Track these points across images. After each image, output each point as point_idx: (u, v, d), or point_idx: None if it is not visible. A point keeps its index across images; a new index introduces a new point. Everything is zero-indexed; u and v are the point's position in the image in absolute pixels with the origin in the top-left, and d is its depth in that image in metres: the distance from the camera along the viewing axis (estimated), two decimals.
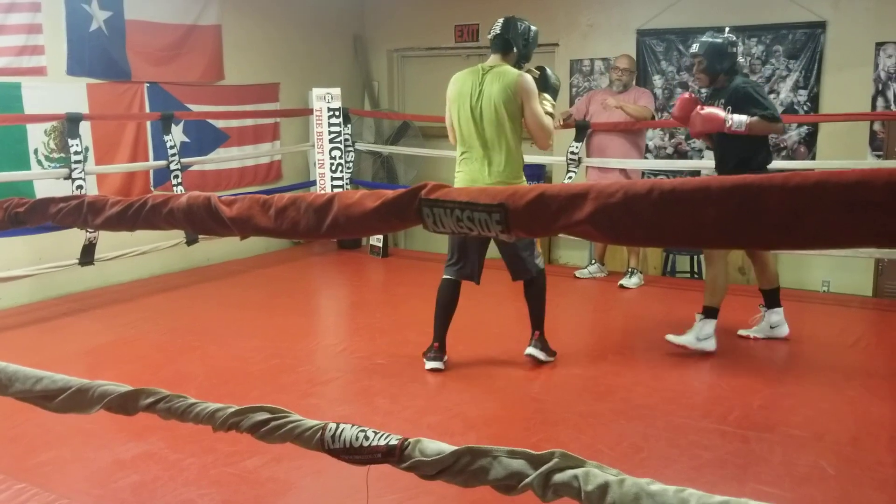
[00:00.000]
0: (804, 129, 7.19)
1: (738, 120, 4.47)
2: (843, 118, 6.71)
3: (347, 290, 6.93)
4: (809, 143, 7.18)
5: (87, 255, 5.86)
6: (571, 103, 7.59)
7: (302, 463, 3.18)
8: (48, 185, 5.88)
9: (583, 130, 6.64)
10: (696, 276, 6.89)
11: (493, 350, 4.80)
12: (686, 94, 4.84)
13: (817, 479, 3.18)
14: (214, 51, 7.48)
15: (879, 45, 6.76)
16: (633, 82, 6.78)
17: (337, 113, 7.61)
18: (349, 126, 8.01)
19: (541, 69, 4.52)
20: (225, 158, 7.69)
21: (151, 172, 6.94)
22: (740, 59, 7.23)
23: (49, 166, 6.03)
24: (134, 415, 2.05)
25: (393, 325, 5.39)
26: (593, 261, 6.99)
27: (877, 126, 6.83)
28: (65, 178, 5.73)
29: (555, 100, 4.53)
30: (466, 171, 4.38)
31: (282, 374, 4.42)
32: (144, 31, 6.76)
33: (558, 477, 1.52)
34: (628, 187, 1.36)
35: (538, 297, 4.52)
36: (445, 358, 4.46)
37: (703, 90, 5.18)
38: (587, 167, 6.77)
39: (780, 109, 7.11)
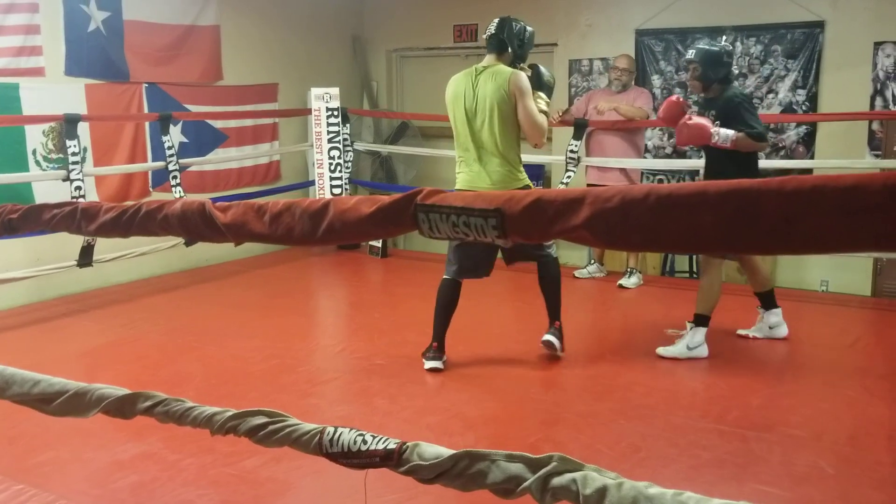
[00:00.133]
0: (803, 128, 7.19)
1: (725, 135, 4.46)
2: (842, 118, 6.71)
3: (346, 290, 6.93)
4: (808, 143, 7.18)
5: (86, 256, 5.86)
6: (570, 103, 7.59)
7: (301, 463, 3.18)
8: (46, 186, 5.88)
9: (581, 128, 6.64)
10: (695, 275, 6.89)
11: (493, 350, 4.80)
12: (673, 97, 4.82)
13: (816, 478, 3.19)
14: (213, 51, 7.47)
15: (878, 44, 6.75)
16: (633, 82, 6.78)
17: (336, 113, 7.61)
18: (348, 126, 8.01)
19: (533, 67, 4.52)
20: (224, 159, 7.69)
21: (150, 173, 6.93)
22: (739, 60, 7.25)
23: (47, 167, 6.03)
24: (131, 418, 2.05)
25: (392, 325, 5.39)
26: (592, 261, 6.99)
27: (875, 125, 6.83)
28: (63, 180, 5.72)
29: (549, 98, 4.53)
30: (466, 173, 4.38)
31: (281, 374, 4.42)
32: (143, 32, 6.75)
33: (556, 481, 1.52)
34: (625, 192, 1.36)
35: (553, 287, 4.54)
36: (444, 358, 4.46)
37: (695, 97, 5.16)
38: (586, 166, 6.77)
39: (778, 109, 7.17)
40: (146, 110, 6.81)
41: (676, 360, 4.58)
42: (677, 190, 1.30)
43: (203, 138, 7.41)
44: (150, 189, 6.98)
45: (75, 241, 5.73)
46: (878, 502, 3.04)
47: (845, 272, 6.97)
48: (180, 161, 6.71)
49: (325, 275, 7.42)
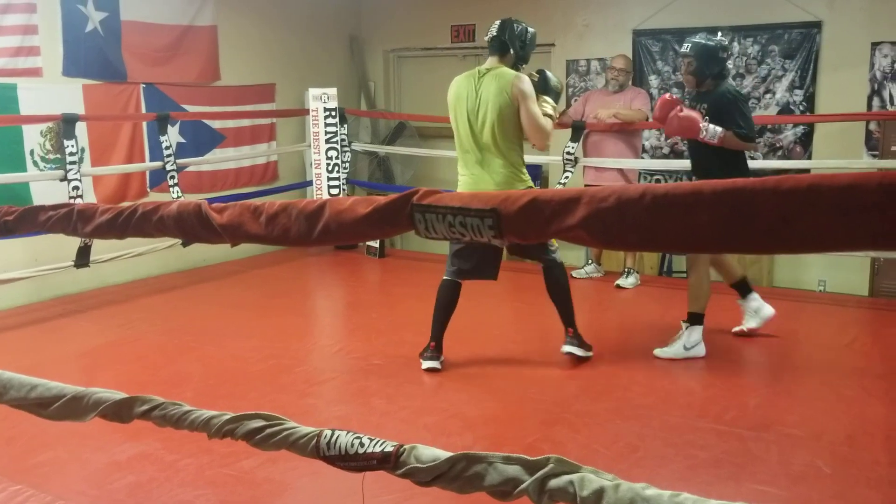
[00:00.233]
0: (800, 128, 7.20)
1: (713, 131, 4.44)
2: (839, 118, 6.71)
3: (344, 290, 6.93)
4: (805, 143, 7.19)
5: (83, 256, 5.85)
6: (568, 104, 7.59)
7: (298, 464, 3.17)
8: (44, 186, 5.88)
9: (579, 130, 6.64)
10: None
11: (491, 350, 4.81)
12: (667, 95, 4.79)
13: (813, 478, 3.19)
14: (210, 51, 7.47)
15: (875, 44, 6.76)
16: (630, 82, 6.79)
17: (333, 113, 7.60)
18: (345, 126, 8.00)
19: (540, 72, 4.52)
20: (221, 159, 7.68)
21: (147, 173, 6.93)
22: (736, 60, 7.26)
23: (45, 167, 6.02)
24: (129, 422, 2.05)
25: (389, 325, 5.39)
26: (590, 261, 7.00)
27: (872, 126, 6.83)
28: (61, 180, 5.71)
29: (556, 102, 4.54)
30: (468, 176, 4.38)
31: (279, 374, 4.42)
32: (140, 32, 6.75)
33: (553, 483, 1.52)
34: (621, 192, 1.36)
35: (562, 293, 4.51)
36: (442, 358, 4.46)
37: (688, 91, 5.13)
38: (584, 167, 6.78)
39: (776, 109, 7.18)
40: (144, 110, 6.81)
41: (673, 359, 4.57)
42: (673, 189, 1.30)
43: (201, 138, 7.41)
44: (148, 189, 6.97)
45: (73, 242, 5.72)
46: (876, 502, 3.04)
47: (843, 272, 6.98)
48: (178, 161, 6.70)
49: (323, 275, 7.42)
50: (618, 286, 6.42)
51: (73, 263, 5.82)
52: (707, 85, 4.64)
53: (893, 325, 5.39)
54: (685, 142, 5.16)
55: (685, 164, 7.22)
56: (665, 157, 7.76)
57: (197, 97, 7.33)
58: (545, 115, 4.35)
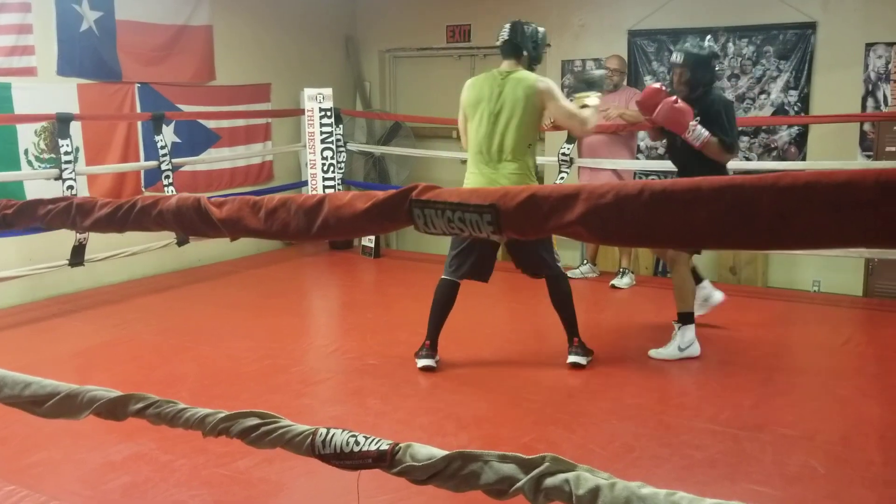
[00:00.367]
0: (795, 129, 7.21)
1: (699, 133, 4.41)
2: (833, 119, 6.72)
3: (339, 290, 6.93)
4: (800, 144, 7.20)
5: (78, 255, 5.84)
6: None
7: (294, 464, 3.17)
8: (38, 185, 5.86)
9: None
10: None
11: (486, 351, 4.81)
12: (656, 85, 4.68)
13: (808, 478, 3.19)
14: (205, 51, 7.46)
15: (869, 45, 6.78)
16: (624, 82, 6.79)
17: (329, 113, 7.60)
18: (341, 126, 8.00)
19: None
20: (216, 159, 7.68)
21: (142, 173, 6.92)
22: (731, 61, 7.27)
23: (39, 167, 6.01)
24: (123, 420, 2.04)
25: (385, 325, 5.39)
26: (585, 261, 7.00)
27: (867, 126, 6.85)
28: (55, 179, 5.70)
29: (599, 90, 4.68)
30: (479, 174, 4.41)
31: (274, 374, 4.41)
32: (135, 32, 6.74)
33: (549, 481, 1.52)
34: (619, 188, 1.35)
35: (566, 303, 4.50)
36: (437, 357, 4.46)
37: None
38: (579, 167, 6.79)
39: (770, 110, 7.19)
40: (139, 110, 6.80)
41: (669, 360, 4.58)
42: (671, 186, 1.30)
43: (196, 138, 7.40)
44: (143, 189, 6.96)
45: (67, 241, 5.71)
46: (870, 501, 3.05)
47: (837, 272, 7.00)
48: (173, 161, 6.69)
49: (318, 275, 7.41)
50: (613, 286, 6.43)
51: (67, 262, 5.81)
52: (698, 92, 4.62)
53: (888, 326, 5.40)
54: (664, 142, 5.12)
55: None
56: (660, 157, 7.76)
57: (192, 97, 7.32)
58: (584, 106, 4.50)
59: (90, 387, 2.06)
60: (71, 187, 5.70)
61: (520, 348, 4.87)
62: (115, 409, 2.00)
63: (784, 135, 7.25)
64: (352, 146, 8.36)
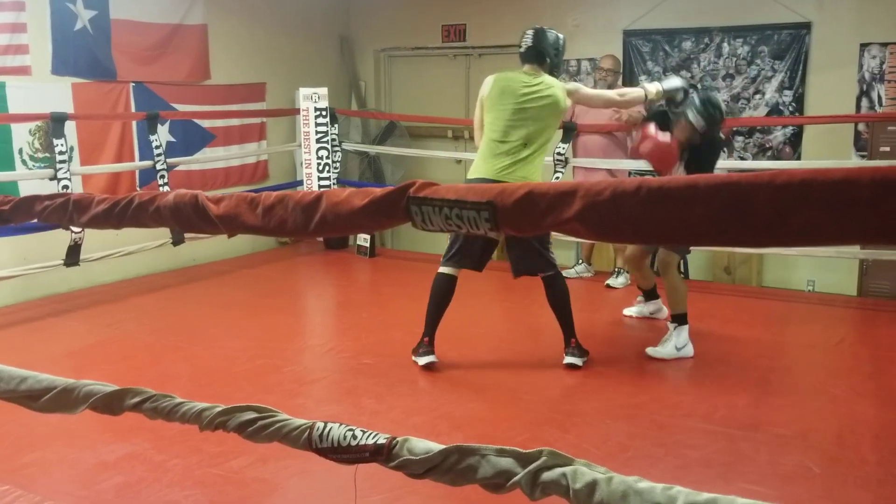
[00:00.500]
0: (789, 129, 7.22)
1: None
2: (827, 120, 6.73)
3: (334, 289, 6.92)
4: (795, 144, 7.22)
5: (73, 255, 5.83)
6: None
7: (288, 463, 3.17)
8: (33, 185, 5.84)
9: (570, 132, 6.65)
10: (681, 275, 6.90)
11: (480, 350, 4.81)
12: (666, 143, 4.62)
13: (802, 477, 3.20)
14: (200, 50, 7.45)
15: (864, 45, 6.79)
16: (619, 82, 6.80)
17: (324, 113, 7.59)
18: (336, 126, 8.00)
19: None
20: (211, 158, 7.67)
21: (137, 172, 6.90)
22: (726, 61, 7.29)
23: (34, 166, 5.99)
24: (119, 415, 2.03)
25: (379, 324, 5.39)
26: (580, 261, 7.01)
27: (861, 126, 6.87)
28: (50, 179, 5.69)
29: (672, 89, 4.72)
30: (491, 162, 4.44)
31: (268, 374, 4.41)
32: (130, 31, 6.73)
33: (546, 475, 1.52)
34: (616, 185, 1.36)
35: (564, 303, 4.52)
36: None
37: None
38: (573, 167, 6.79)
39: (765, 110, 7.22)
40: (133, 109, 6.79)
41: (664, 360, 4.59)
42: (668, 183, 1.30)
43: (190, 137, 7.39)
44: (138, 188, 6.94)
45: (62, 241, 5.70)
46: (865, 500, 3.06)
47: (831, 272, 7.01)
48: (168, 160, 6.68)
49: (313, 274, 7.41)
50: (608, 286, 6.44)
51: (62, 262, 5.80)
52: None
53: (882, 325, 5.42)
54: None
55: None
56: None
57: (187, 96, 7.31)
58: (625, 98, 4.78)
59: (86, 381, 2.05)
60: (66, 187, 5.69)
61: (514, 348, 4.87)
62: (111, 404, 2.00)
63: (779, 135, 7.26)
64: (347, 146, 8.35)
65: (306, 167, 7.66)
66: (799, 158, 7.19)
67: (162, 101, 7.02)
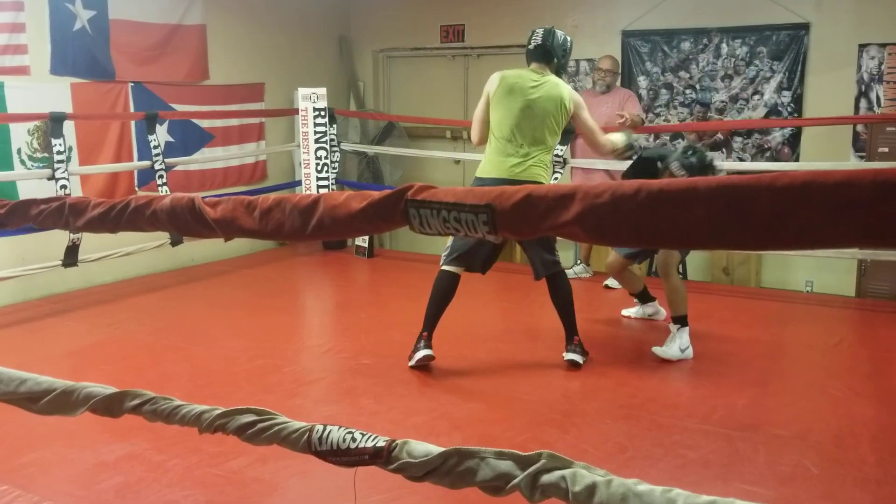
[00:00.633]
0: (788, 130, 7.23)
1: None
2: (825, 122, 6.72)
3: (333, 290, 6.92)
4: (793, 145, 7.22)
5: (71, 256, 5.82)
6: None
7: (287, 463, 3.17)
8: (31, 185, 5.84)
9: (567, 134, 6.65)
10: (680, 276, 6.90)
11: (479, 350, 4.80)
12: None
13: (801, 478, 3.20)
14: (199, 50, 7.45)
15: (862, 46, 6.80)
16: (617, 83, 6.81)
17: (322, 113, 7.59)
18: (335, 126, 8.00)
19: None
20: (210, 158, 7.66)
21: (136, 172, 6.90)
22: (725, 61, 7.30)
23: (32, 166, 5.99)
24: (119, 417, 2.03)
25: (378, 325, 5.39)
26: (578, 261, 7.01)
27: (860, 127, 6.87)
28: (48, 179, 5.68)
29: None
30: (500, 161, 4.45)
31: (267, 374, 4.41)
32: (129, 31, 6.72)
33: (546, 478, 1.52)
34: (616, 188, 1.35)
35: (567, 303, 4.53)
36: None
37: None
38: (571, 168, 6.80)
39: (764, 110, 7.22)
40: (132, 109, 6.78)
41: (662, 360, 4.59)
42: (668, 185, 1.30)
43: (189, 138, 7.39)
44: (136, 188, 6.94)
45: (60, 241, 5.70)
46: (863, 501, 3.06)
47: (830, 273, 7.02)
48: (166, 160, 6.68)
49: (312, 275, 7.41)
50: (606, 287, 6.44)
51: (60, 263, 5.79)
52: None
53: (880, 326, 5.42)
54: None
55: None
56: None
57: (186, 96, 7.31)
58: (609, 141, 4.75)
59: (86, 383, 2.05)
60: (64, 187, 5.69)
61: (513, 348, 4.87)
62: (111, 406, 2.00)
63: (777, 135, 7.27)
64: (345, 146, 8.36)
65: (305, 167, 7.66)
66: (797, 159, 7.20)
67: (161, 101, 7.01)
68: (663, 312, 5.30)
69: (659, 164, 4.74)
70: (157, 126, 6.59)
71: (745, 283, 7.09)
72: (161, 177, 6.58)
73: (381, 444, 1.71)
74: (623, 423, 3.74)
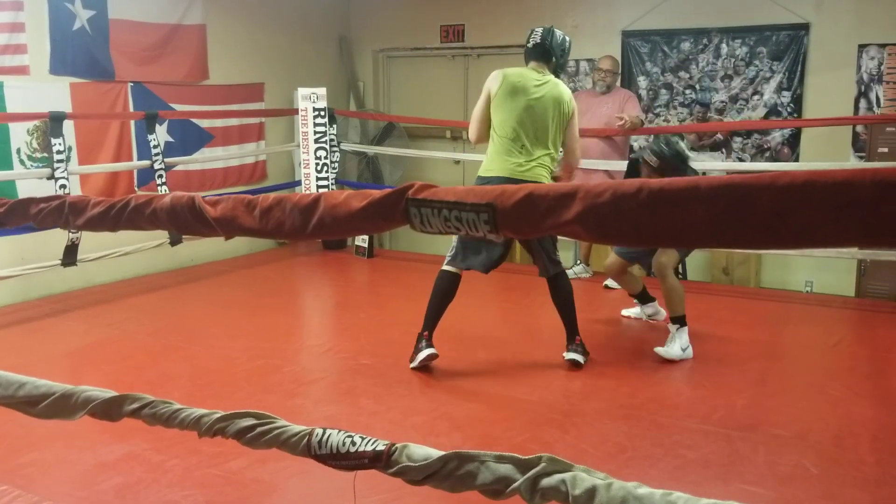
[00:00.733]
0: (787, 130, 7.23)
1: None
2: (824, 123, 6.71)
3: (332, 290, 6.92)
4: (793, 145, 7.22)
5: (70, 255, 5.82)
6: None
7: (287, 464, 3.17)
8: (31, 185, 5.84)
9: None
10: (680, 276, 6.90)
11: (478, 350, 4.80)
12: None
13: (800, 478, 3.20)
14: (199, 50, 7.44)
15: (862, 46, 6.80)
16: (617, 83, 6.81)
17: (322, 113, 7.59)
18: (334, 126, 7.99)
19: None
20: (209, 158, 7.66)
21: (135, 172, 6.90)
22: (724, 62, 7.30)
23: (32, 166, 5.99)
24: (118, 420, 2.03)
25: (378, 325, 5.38)
26: (578, 261, 7.01)
27: (859, 128, 6.87)
28: (48, 178, 5.68)
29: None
30: (505, 161, 4.43)
31: (267, 374, 4.40)
32: (128, 31, 6.72)
33: (546, 481, 1.52)
34: (616, 187, 1.35)
35: (568, 303, 4.53)
36: None
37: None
38: None
39: (763, 111, 7.23)
40: (132, 109, 6.78)
41: (662, 360, 4.59)
42: (669, 185, 1.30)
43: (189, 137, 7.38)
44: (136, 188, 6.94)
45: (59, 241, 5.69)
46: (863, 501, 3.06)
47: (830, 273, 7.02)
48: (166, 160, 6.67)
49: (312, 275, 7.40)
50: (606, 287, 6.43)
51: (60, 262, 5.79)
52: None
53: (879, 326, 5.42)
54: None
55: None
56: None
57: (185, 96, 7.31)
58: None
59: (85, 387, 2.04)
60: (63, 186, 5.68)
61: (512, 348, 4.87)
62: (109, 410, 1.99)
63: (777, 136, 7.27)
64: (345, 146, 8.35)
65: (304, 167, 7.65)
66: (797, 159, 7.20)
67: (160, 101, 7.01)
68: (663, 313, 5.29)
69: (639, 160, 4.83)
70: (157, 126, 6.59)
71: (744, 284, 7.09)
72: (161, 177, 6.58)
73: (380, 447, 1.70)
74: (623, 424, 3.74)
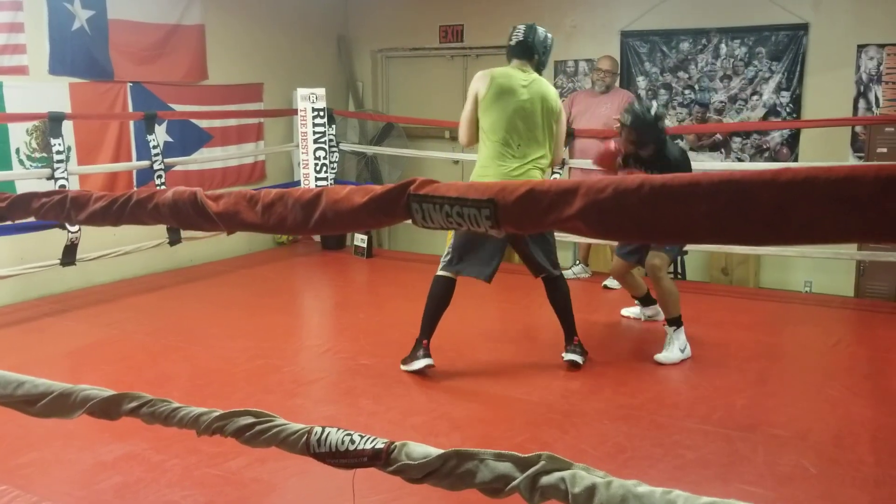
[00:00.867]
0: (787, 130, 7.23)
1: None
2: (823, 123, 6.71)
3: (332, 290, 6.92)
4: (792, 145, 7.22)
5: (69, 255, 5.82)
6: None
7: (286, 464, 3.16)
8: (30, 185, 5.82)
9: (567, 137, 6.66)
10: (679, 276, 6.90)
11: (477, 351, 4.80)
12: (612, 147, 4.96)
13: (800, 478, 3.20)
14: (198, 50, 7.44)
15: (861, 47, 6.80)
16: (616, 83, 6.81)
17: (321, 113, 7.58)
18: (333, 126, 7.99)
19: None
20: (208, 158, 7.66)
21: (134, 172, 6.89)
22: (724, 62, 7.30)
23: (31, 166, 5.99)
24: (117, 419, 2.03)
25: (377, 325, 5.38)
26: (577, 262, 7.01)
27: (858, 128, 6.88)
28: (47, 179, 5.68)
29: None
30: (500, 167, 4.38)
31: (266, 374, 4.40)
32: (127, 31, 6.72)
33: (545, 480, 1.52)
34: (618, 183, 1.35)
35: (565, 304, 4.52)
36: None
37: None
38: (570, 168, 6.81)
39: (763, 111, 7.22)
40: (131, 109, 6.78)
41: (661, 360, 4.58)
42: (671, 181, 1.29)
43: (188, 138, 7.38)
44: (135, 188, 6.93)
45: (58, 240, 5.69)
46: (862, 501, 3.06)
47: (829, 273, 7.02)
48: (165, 160, 6.67)
49: (311, 275, 7.40)
50: (605, 287, 6.43)
51: (59, 262, 5.79)
52: (648, 150, 4.67)
53: (878, 326, 5.42)
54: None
55: None
56: None
57: (184, 96, 7.30)
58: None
59: (83, 386, 2.04)
60: (63, 187, 5.68)
61: (512, 348, 4.87)
62: (108, 409, 1.99)
63: (776, 136, 7.27)
64: (344, 146, 8.35)
65: (303, 167, 7.65)
66: (796, 159, 7.20)
67: (159, 101, 7.01)
68: (662, 315, 5.29)
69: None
70: (156, 126, 6.59)
71: (743, 284, 7.09)
72: (160, 177, 6.58)
73: (379, 445, 1.70)
74: (622, 424, 3.74)
